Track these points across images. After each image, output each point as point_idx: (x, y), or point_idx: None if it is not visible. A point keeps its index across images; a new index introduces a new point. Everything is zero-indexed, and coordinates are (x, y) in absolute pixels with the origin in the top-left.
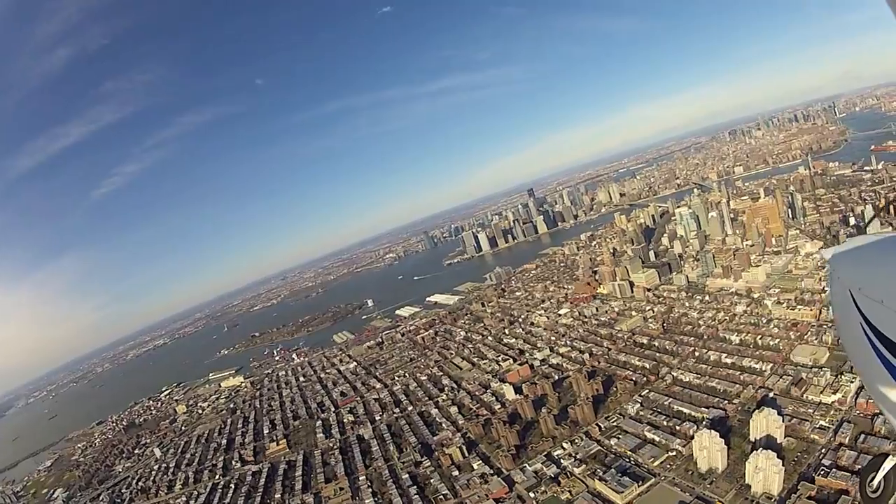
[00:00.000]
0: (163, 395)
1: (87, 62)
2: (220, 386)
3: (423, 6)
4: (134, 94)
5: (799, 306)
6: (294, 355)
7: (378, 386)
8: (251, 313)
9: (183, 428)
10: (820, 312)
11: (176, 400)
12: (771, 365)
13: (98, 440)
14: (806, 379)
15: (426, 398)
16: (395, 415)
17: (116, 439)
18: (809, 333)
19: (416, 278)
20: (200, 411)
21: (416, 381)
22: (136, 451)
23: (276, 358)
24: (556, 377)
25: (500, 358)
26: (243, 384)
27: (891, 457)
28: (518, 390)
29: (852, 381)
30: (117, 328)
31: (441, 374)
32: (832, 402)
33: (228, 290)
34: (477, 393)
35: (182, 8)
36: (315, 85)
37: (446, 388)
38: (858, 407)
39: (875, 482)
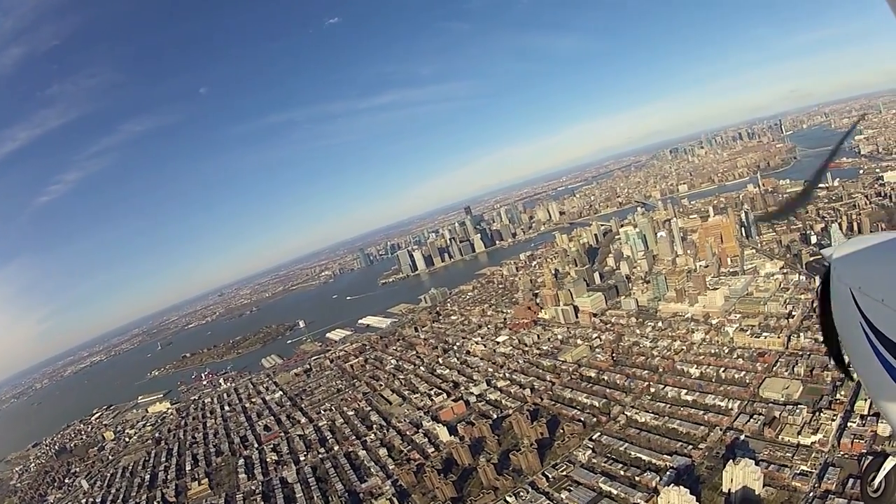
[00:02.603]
0: (93, 418)
1: (36, 63)
2: (147, 411)
3: (370, 19)
4: (79, 99)
5: (764, 333)
6: (221, 380)
7: (303, 420)
8: (186, 331)
9: (110, 457)
10: (788, 340)
11: (105, 424)
12: (738, 402)
13: (33, 464)
14: (780, 418)
15: (353, 437)
16: (320, 455)
17: (49, 465)
18: (779, 364)
19: (349, 298)
20: (127, 439)
21: (343, 416)
22: (67, 481)
23: (204, 382)
24: (495, 416)
25: (432, 391)
26: (169, 410)
27: (891, 457)
28: (453, 430)
29: (833, 419)
30: (57, 342)
31: (370, 408)
32: (812, 444)
33: (166, 306)
34: (408, 433)
35: (129, 10)
36: (259, 96)
37: (375, 426)
38: (842, 447)
39: (876, 482)
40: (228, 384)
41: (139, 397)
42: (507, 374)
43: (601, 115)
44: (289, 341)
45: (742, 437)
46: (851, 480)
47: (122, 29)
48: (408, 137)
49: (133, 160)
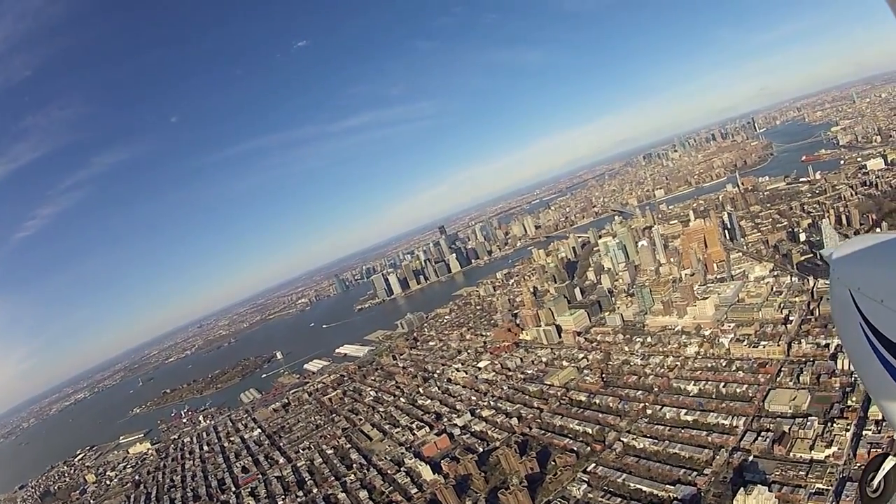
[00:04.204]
0: (76, 459)
1: (9, 95)
2: (128, 452)
3: (338, 40)
4: (51, 132)
5: (762, 342)
6: (200, 417)
7: (281, 460)
8: (167, 365)
9: (92, 501)
10: (789, 347)
11: (87, 466)
12: (743, 419)
13: None
14: (790, 433)
15: (332, 478)
16: (299, 499)
17: None
18: (782, 374)
19: (325, 326)
20: (108, 482)
21: (322, 455)
22: None
23: (184, 420)
24: (481, 449)
25: (414, 425)
26: (149, 451)
27: (891, 457)
28: (436, 468)
29: (847, 429)
30: (43, 379)
31: (349, 445)
32: (827, 458)
33: (147, 339)
34: (389, 472)
35: (97, 40)
36: (230, 123)
37: (355, 465)
38: (859, 458)
39: (875, 482)
40: (207, 422)
41: (120, 437)
42: (491, 403)
43: (571, 126)
44: (263, 375)
45: (750, 458)
46: None
47: (90, 59)
48: (379, 159)
49: (107, 193)
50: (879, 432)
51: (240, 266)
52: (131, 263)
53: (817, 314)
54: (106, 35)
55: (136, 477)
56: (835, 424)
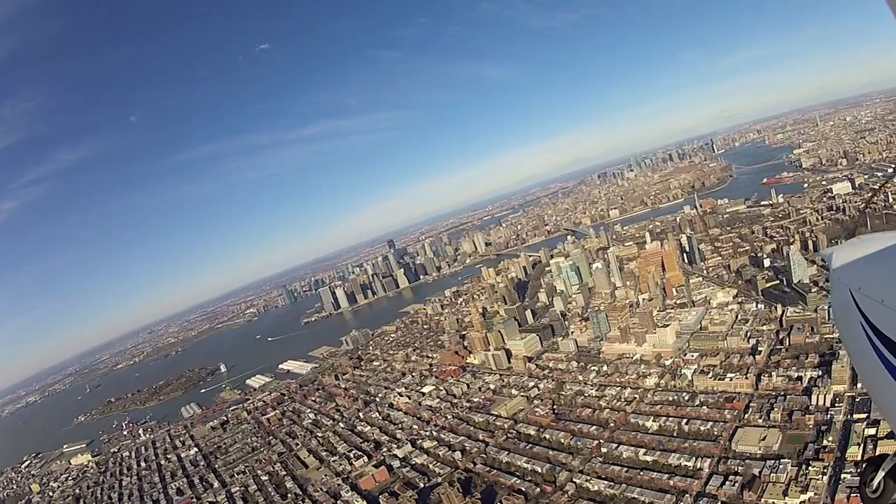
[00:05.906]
0: (23, 467)
1: None
2: (70, 463)
3: (301, 45)
4: (15, 124)
5: (729, 374)
6: (141, 430)
7: (216, 484)
8: (115, 372)
9: None
10: (758, 380)
11: (33, 475)
12: (709, 460)
13: None
14: (761, 476)
15: None
16: None
17: None
18: (751, 410)
19: (270, 339)
20: (52, 493)
21: (257, 481)
22: None
23: (124, 432)
24: (422, 485)
25: (352, 453)
26: (90, 463)
27: (890, 457)
28: (374, 503)
29: (823, 472)
30: None
31: (285, 472)
32: None
33: (98, 343)
34: None
35: (60, 33)
36: (189, 125)
37: (290, 495)
38: None
39: (875, 482)
40: (147, 435)
41: (64, 446)
42: (434, 433)
43: (527, 143)
44: (202, 390)
45: None
46: None
47: (52, 54)
48: (334, 169)
49: (64, 191)
50: (858, 475)
51: (192, 271)
52: (86, 265)
53: (787, 344)
54: (68, 30)
55: (77, 490)
56: (810, 467)
